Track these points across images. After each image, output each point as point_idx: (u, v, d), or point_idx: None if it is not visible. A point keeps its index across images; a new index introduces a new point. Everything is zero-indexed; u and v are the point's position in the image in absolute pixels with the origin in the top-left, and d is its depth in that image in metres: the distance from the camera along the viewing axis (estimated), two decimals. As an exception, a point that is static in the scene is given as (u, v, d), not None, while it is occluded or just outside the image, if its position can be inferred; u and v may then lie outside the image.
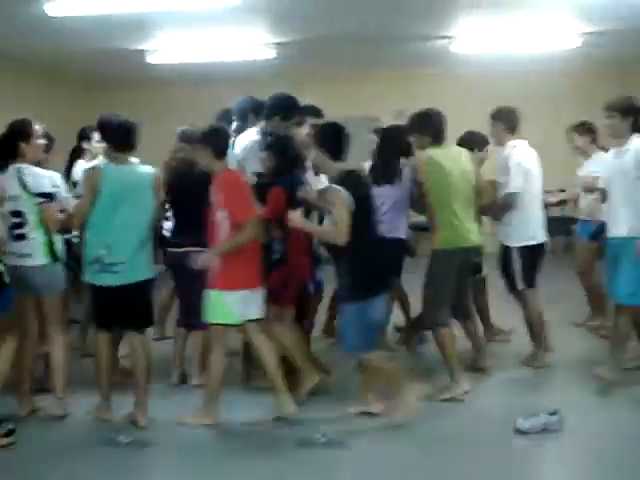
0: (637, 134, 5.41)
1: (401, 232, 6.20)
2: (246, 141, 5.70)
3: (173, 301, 6.78)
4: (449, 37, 9.95)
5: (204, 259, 4.94)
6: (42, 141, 5.33)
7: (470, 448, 4.71)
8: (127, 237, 4.98)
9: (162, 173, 5.87)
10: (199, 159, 5.08)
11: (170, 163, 5.99)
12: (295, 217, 4.91)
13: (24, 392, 5.30)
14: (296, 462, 4.57)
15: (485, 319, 6.76)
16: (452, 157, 5.46)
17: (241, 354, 5.83)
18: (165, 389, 5.83)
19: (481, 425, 5.07)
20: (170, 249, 5.83)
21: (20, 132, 5.18)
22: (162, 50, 10.12)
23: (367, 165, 6.92)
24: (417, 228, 6.93)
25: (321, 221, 5.46)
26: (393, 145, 6.13)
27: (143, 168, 5.20)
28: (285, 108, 5.70)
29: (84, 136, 6.55)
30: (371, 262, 4.87)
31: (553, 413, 4.83)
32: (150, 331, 6.98)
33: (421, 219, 6.01)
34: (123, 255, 4.96)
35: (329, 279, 5.51)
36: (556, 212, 9.38)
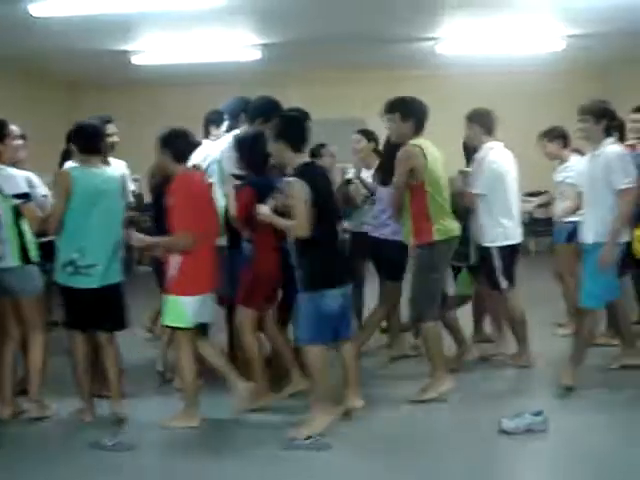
0: (610, 138, 5.40)
1: None
2: (224, 143, 5.70)
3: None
4: (434, 38, 9.99)
5: (138, 239, 5.10)
6: (19, 142, 5.29)
7: (455, 449, 4.71)
8: (100, 240, 5.01)
9: (149, 177, 5.89)
10: (161, 162, 5.11)
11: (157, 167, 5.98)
12: (263, 211, 4.88)
13: (6, 394, 5.25)
14: (281, 464, 4.56)
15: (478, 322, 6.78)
16: (432, 146, 5.42)
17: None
18: (149, 391, 5.84)
19: (465, 425, 5.06)
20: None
21: None
22: (147, 51, 10.10)
23: (351, 169, 6.96)
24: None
25: None
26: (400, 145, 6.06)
27: (111, 171, 5.24)
28: (267, 111, 5.68)
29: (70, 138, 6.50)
30: (326, 254, 4.82)
31: (538, 413, 4.84)
32: (140, 332, 7.02)
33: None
34: (96, 258, 4.98)
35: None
36: (540, 213, 9.41)
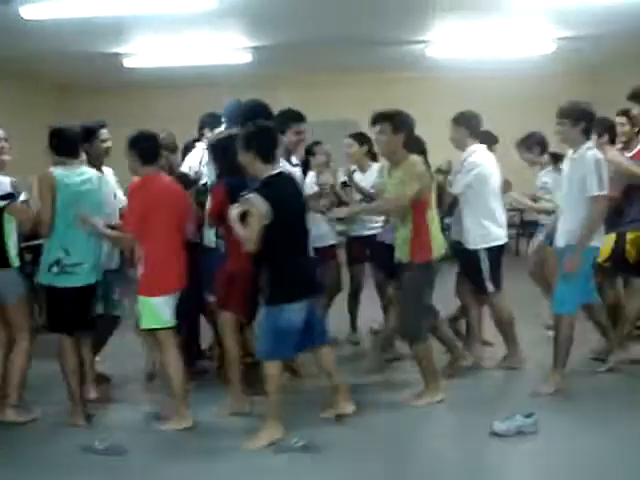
0: (589, 142, 5.38)
1: None
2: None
3: None
4: (425, 41, 10.02)
5: (93, 225, 5.10)
6: (5, 144, 5.29)
7: (447, 452, 4.73)
8: (83, 238, 5.06)
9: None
10: (130, 164, 5.11)
11: None
12: (231, 213, 4.77)
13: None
14: (271, 466, 4.57)
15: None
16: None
17: None
18: (139, 394, 5.85)
19: (457, 428, 5.09)
20: None
21: None
22: (139, 54, 10.10)
23: (341, 172, 6.97)
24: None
25: None
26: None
27: (91, 172, 5.25)
28: (256, 115, 5.67)
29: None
30: (288, 268, 4.74)
31: (529, 415, 4.86)
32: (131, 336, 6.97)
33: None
34: (82, 257, 5.04)
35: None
36: (531, 215, 9.44)
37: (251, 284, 5.02)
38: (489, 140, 6.49)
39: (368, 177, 6.65)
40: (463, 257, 6.06)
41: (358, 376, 5.96)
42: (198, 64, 10.60)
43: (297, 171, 5.86)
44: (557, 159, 6.61)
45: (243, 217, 4.68)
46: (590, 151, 5.31)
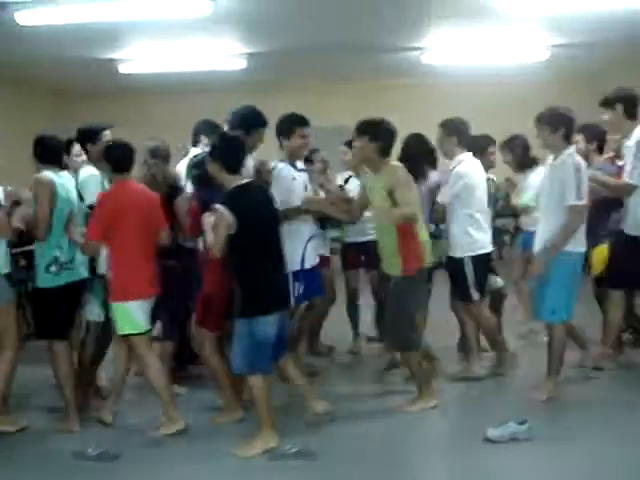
0: (571, 148, 5.35)
1: None
2: None
3: None
4: (420, 48, 10.04)
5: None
6: None
7: (440, 458, 4.75)
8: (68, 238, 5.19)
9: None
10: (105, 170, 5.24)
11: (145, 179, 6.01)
12: (205, 220, 4.82)
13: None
14: (266, 472, 4.58)
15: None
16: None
17: None
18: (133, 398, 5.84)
19: (451, 435, 5.11)
20: None
21: None
22: (134, 60, 10.10)
23: (340, 177, 6.98)
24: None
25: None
26: (416, 151, 6.01)
27: (69, 175, 5.40)
28: (249, 122, 5.68)
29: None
30: (261, 279, 4.73)
31: (522, 422, 4.87)
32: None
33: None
34: (72, 252, 5.18)
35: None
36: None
37: (228, 303, 5.00)
38: (486, 142, 6.46)
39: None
40: (449, 265, 6.03)
41: (355, 383, 5.96)
42: (193, 70, 10.61)
43: (302, 176, 5.86)
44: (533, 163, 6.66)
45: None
46: (570, 158, 5.29)
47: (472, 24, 8.68)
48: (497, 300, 6.52)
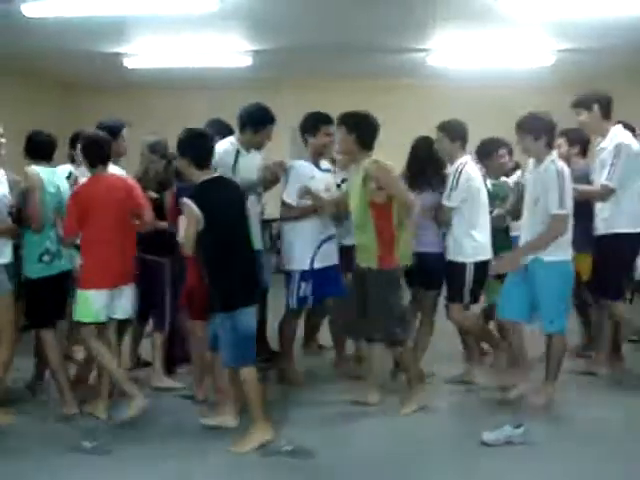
0: (553, 154, 5.31)
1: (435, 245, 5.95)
2: (219, 149, 5.71)
3: None
4: (426, 50, 10.03)
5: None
6: (1, 140, 5.34)
7: (436, 460, 4.76)
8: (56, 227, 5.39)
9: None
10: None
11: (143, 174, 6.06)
12: (180, 221, 4.85)
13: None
14: (261, 470, 4.59)
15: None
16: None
17: None
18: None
19: (447, 437, 5.12)
20: None
21: None
22: (139, 54, 10.10)
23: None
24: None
25: None
26: (423, 154, 6.00)
27: (56, 170, 5.63)
28: (256, 120, 5.69)
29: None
30: (234, 274, 4.76)
31: (518, 426, 4.87)
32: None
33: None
34: (58, 243, 5.38)
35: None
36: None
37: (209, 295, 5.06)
38: (494, 146, 6.40)
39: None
40: (449, 269, 5.88)
41: (352, 383, 5.96)
42: (198, 66, 10.60)
43: (325, 176, 5.83)
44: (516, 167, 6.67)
45: None
46: (553, 165, 5.24)
47: (477, 27, 8.68)
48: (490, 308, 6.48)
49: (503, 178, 6.57)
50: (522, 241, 5.46)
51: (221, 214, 4.72)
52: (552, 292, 5.30)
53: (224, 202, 4.81)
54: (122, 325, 5.67)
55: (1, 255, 5.16)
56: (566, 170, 5.29)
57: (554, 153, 5.36)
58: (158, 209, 5.68)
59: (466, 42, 9.54)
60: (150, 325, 6.22)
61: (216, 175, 4.90)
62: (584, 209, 5.63)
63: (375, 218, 5.24)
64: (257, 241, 5.80)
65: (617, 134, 5.81)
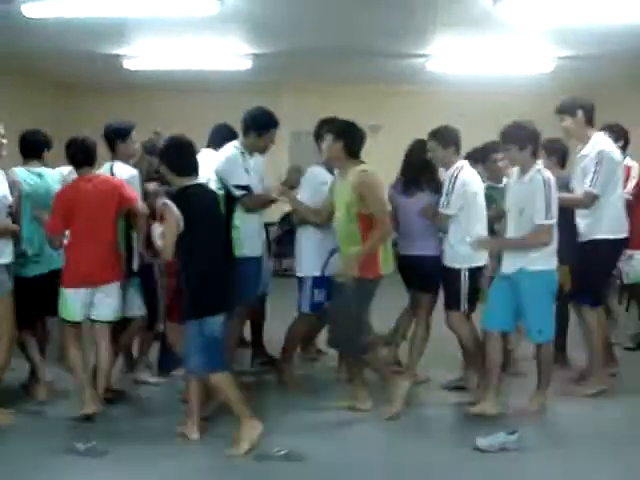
0: (538, 163, 5.27)
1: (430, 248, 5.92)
2: (227, 153, 5.73)
3: None
4: (425, 55, 10.05)
5: None
6: (3, 140, 5.36)
7: (430, 465, 4.74)
8: (38, 231, 5.49)
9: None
10: None
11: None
12: (155, 230, 4.91)
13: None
14: (255, 476, 4.59)
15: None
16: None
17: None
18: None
19: (441, 442, 5.11)
20: None
21: None
22: (139, 56, 10.11)
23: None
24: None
25: None
26: (416, 157, 5.99)
27: (47, 171, 5.71)
28: (260, 124, 5.70)
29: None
30: (208, 280, 4.79)
31: (512, 433, 4.88)
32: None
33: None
34: (38, 247, 5.50)
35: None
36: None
37: None
38: (489, 150, 6.38)
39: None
40: (445, 275, 5.84)
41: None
42: (198, 69, 10.62)
43: None
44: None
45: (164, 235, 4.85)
46: (539, 174, 5.21)
47: (477, 33, 8.70)
48: None
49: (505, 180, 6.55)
50: (511, 253, 5.36)
51: (199, 220, 4.79)
52: (538, 302, 5.27)
53: (203, 208, 4.90)
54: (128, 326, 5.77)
55: (2, 255, 5.17)
56: (553, 180, 5.25)
57: (539, 162, 5.33)
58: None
59: (466, 48, 9.56)
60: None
61: (196, 182, 4.95)
62: (565, 219, 5.56)
63: (362, 230, 5.25)
64: (259, 247, 5.82)
65: (598, 141, 5.80)
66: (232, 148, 5.74)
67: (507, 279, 5.35)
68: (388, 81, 11.77)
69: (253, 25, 8.61)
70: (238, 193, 5.59)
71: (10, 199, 5.29)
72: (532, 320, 5.36)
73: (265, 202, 5.84)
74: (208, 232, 4.84)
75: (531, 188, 5.19)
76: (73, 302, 5.25)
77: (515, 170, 5.42)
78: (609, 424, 5.33)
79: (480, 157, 6.31)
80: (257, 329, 6.80)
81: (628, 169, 6.80)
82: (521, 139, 5.22)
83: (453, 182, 5.66)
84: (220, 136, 6.34)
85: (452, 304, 5.80)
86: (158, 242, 4.83)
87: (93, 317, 5.36)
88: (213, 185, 5.58)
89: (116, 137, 5.80)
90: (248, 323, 6.56)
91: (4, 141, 5.35)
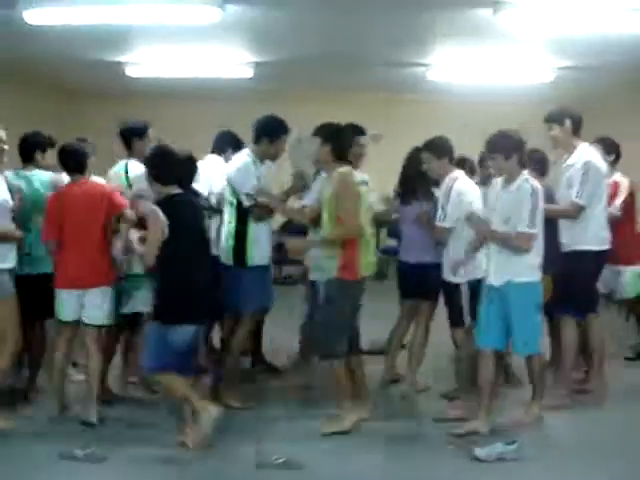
0: (524, 172, 5.23)
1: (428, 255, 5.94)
2: (239, 162, 5.74)
3: None
4: (426, 65, 10.07)
5: None
6: (4, 146, 5.38)
7: (428, 475, 4.76)
8: (32, 233, 5.51)
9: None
10: None
11: None
12: (132, 236, 5.04)
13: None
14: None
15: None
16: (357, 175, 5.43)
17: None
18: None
19: (439, 452, 5.10)
20: None
21: None
22: (141, 63, 10.13)
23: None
24: (387, 252, 6.88)
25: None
26: (413, 169, 6.03)
27: (39, 174, 5.71)
28: (271, 131, 5.74)
29: None
30: (182, 289, 4.84)
31: (510, 442, 4.88)
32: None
33: (392, 243, 5.96)
34: (28, 247, 5.52)
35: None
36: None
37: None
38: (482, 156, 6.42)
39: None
40: (445, 290, 5.85)
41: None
42: (200, 77, 10.64)
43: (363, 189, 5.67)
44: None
45: (143, 240, 4.96)
46: (527, 183, 5.17)
47: (477, 43, 8.72)
48: None
49: None
50: (498, 264, 5.27)
51: (184, 227, 4.87)
52: (524, 313, 5.20)
53: (189, 217, 5.00)
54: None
55: (5, 259, 5.22)
56: (540, 190, 5.22)
57: (526, 172, 5.28)
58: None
59: (466, 58, 9.58)
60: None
61: (179, 192, 5.02)
62: (548, 229, 5.48)
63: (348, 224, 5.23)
64: (265, 257, 5.83)
65: (584, 152, 5.80)
66: (245, 156, 5.78)
67: (496, 291, 5.28)
68: (390, 90, 11.80)
69: (255, 33, 8.63)
70: (248, 203, 5.62)
71: (11, 203, 5.33)
72: (518, 332, 5.26)
73: (270, 210, 5.84)
74: (192, 241, 4.93)
75: (518, 196, 5.15)
76: (65, 302, 5.33)
77: (499, 180, 5.37)
78: (606, 434, 5.35)
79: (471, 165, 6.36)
80: (256, 337, 6.81)
81: (616, 184, 6.74)
82: (506, 148, 5.19)
83: (448, 194, 5.66)
84: (224, 142, 6.40)
85: (456, 320, 5.80)
86: (137, 247, 4.87)
87: (84, 319, 5.38)
88: (225, 192, 5.70)
89: (133, 135, 5.87)
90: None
91: (5, 147, 5.38)
